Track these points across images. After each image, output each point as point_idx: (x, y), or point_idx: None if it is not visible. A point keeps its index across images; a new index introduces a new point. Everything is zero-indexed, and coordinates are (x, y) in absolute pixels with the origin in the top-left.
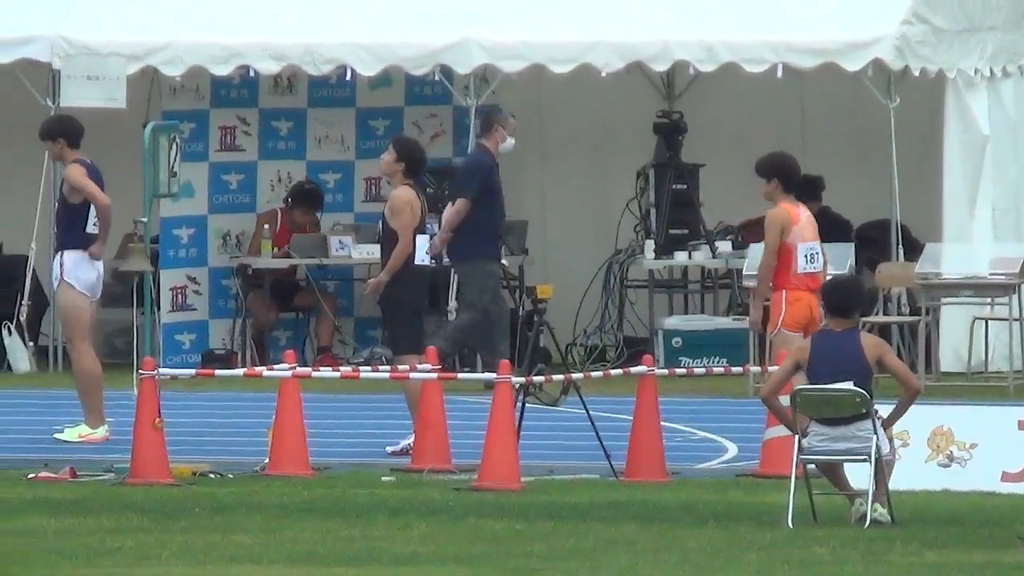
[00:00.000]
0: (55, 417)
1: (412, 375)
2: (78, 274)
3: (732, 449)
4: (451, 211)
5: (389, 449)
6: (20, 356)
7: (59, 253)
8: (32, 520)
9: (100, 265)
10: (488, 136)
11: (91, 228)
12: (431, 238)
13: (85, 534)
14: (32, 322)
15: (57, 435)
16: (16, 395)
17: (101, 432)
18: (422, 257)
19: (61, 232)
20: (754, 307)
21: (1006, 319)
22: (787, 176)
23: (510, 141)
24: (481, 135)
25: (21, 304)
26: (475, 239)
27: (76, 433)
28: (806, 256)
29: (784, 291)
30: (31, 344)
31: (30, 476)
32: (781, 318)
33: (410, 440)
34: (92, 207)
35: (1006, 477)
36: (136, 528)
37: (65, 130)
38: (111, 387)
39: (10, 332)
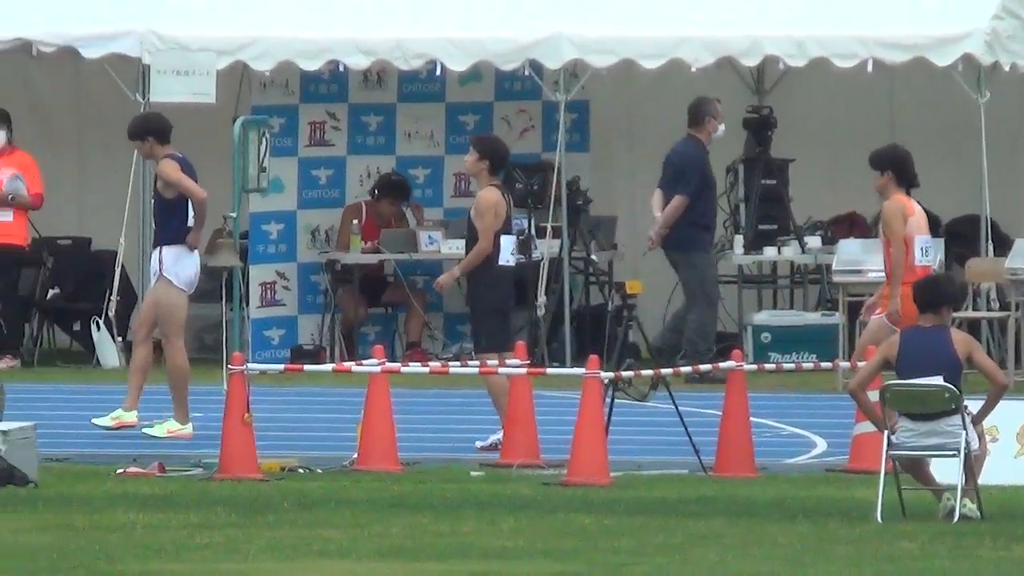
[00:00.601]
0: (143, 413)
1: (501, 370)
2: (177, 270)
3: (821, 444)
4: (670, 208)
5: (478, 444)
6: (109, 351)
7: (158, 249)
8: (121, 515)
9: (197, 260)
10: (700, 127)
11: (191, 222)
12: (519, 236)
13: (173, 529)
14: (121, 317)
15: (146, 430)
16: (104, 390)
17: (189, 428)
18: (507, 258)
19: (159, 228)
20: (892, 299)
21: None
22: (901, 169)
23: (721, 128)
24: (692, 126)
25: (110, 299)
26: (693, 231)
27: (165, 428)
28: (922, 249)
29: (901, 284)
30: (119, 339)
31: (119, 471)
32: (894, 310)
33: (499, 435)
34: (189, 201)
35: None
36: (224, 523)
37: (153, 128)
38: (200, 382)
39: (99, 327)
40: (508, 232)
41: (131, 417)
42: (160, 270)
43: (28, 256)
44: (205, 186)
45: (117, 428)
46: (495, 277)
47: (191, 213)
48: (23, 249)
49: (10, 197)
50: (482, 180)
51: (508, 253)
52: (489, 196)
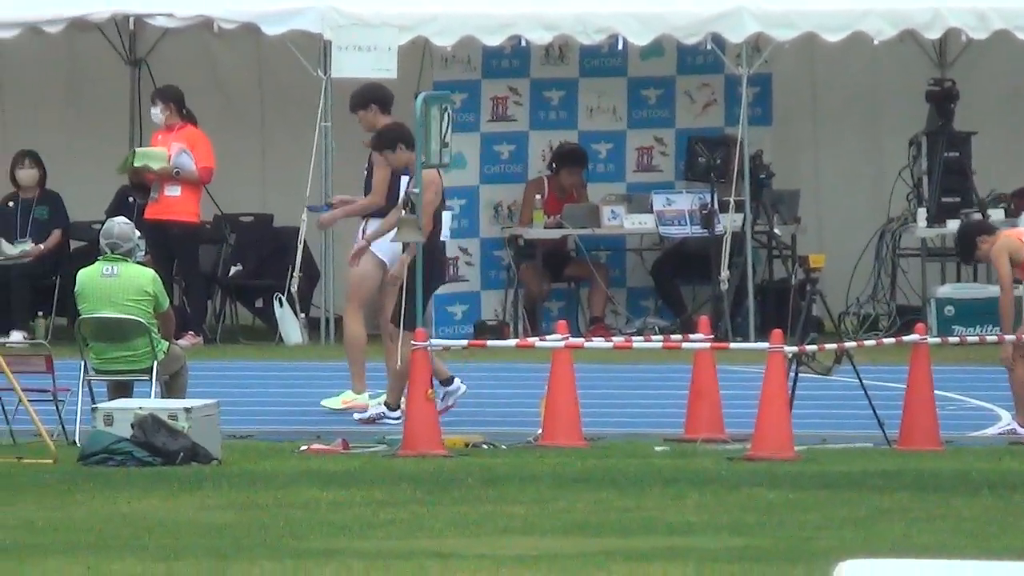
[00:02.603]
0: (327, 389)
1: (685, 345)
2: (381, 242)
3: (1005, 417)
4: None
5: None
6: (292, 327)
7: (364, 220)
8: (305, 492)
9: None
10: None
11: (403, 195)
12: (702, 211)
13: (358, 506)
14: (303, 294)
15: (324, 402)
16: (288, 367)
17: (364, 397)
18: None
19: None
20: None
21: None
22: None
23: None
24: None
25: (292, 276)
26: None
27: (341, 399)
28: None
29: None
30: (302, 315)
31: (302, 448)
32: None
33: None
34: (401, 179)
35: None
36: (409, 500)
37: (377, 96)
38: (380, 358)
39: (281, 304)
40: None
41: (362, 399)
42: (362, 239)
43: (210, 233)
44: None
45: (346, 410)
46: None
47: (402, 187)
48: (197, 226)
49: (175, 172)
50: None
51: (447, 229)
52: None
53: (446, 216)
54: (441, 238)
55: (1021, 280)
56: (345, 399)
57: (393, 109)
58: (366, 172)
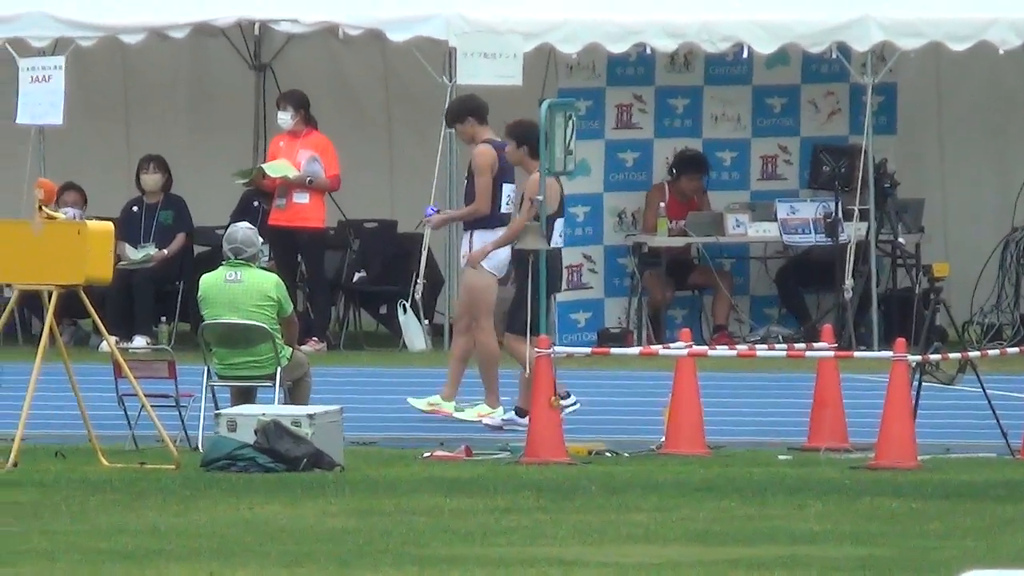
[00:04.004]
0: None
1: (809, 353)
2: (491, 256)
3: None
4: None
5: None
6: (415, 334)
7: (469, 232)
8: (428, 499)
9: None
10: None
11: (504, 207)
12: (826, 219)
13: (480, 513)
14: (427, 300)
15: (457, 414)
16: (411, 373)
17: (499, 414)
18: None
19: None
20: None
21: None
22: None
23: None
24: None
25: (416, 282)
26: None
27: (475, 412)
28: None
29: None
30: (426, 322)
31: (426, 455)
32: None
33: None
34: (503, 186)
35: None
36: (532, 507)
37: (471, 107)
38: (505, 366)
39: (405, 310)
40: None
41: (448, 407)
42: (469, 252)
43: (333, 239)
44: None
45: (430, 413)
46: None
47: (504, 194)
48: (324, 232)
49: (308, 180)
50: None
51: (556, 235)
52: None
53: (559, 224)
54: (554, 245)
55: None
56: (480, 412)
57: (518, 116)
58: (467, 180)
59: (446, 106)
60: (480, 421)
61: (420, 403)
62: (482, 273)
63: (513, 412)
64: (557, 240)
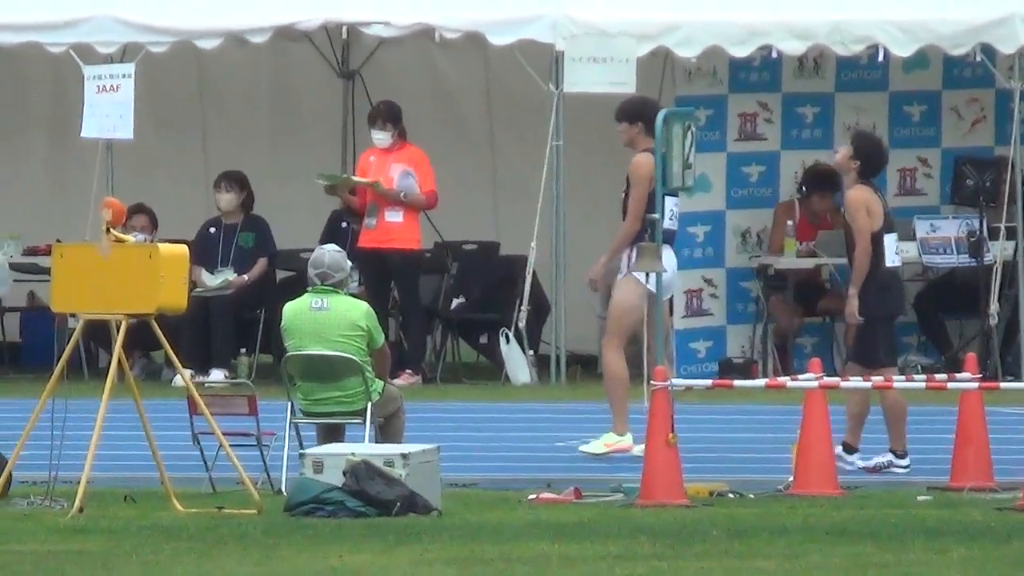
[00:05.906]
0: (558, 433)
1: (951, 385)
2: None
3: None
4: None
5: (860, 464)
6: (519, 365)
7: (630, 247)
8: (534, 546)
9: (673, 260)
10: None
11: (667, 223)
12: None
13: (592, 560)
14: (532, 329)
15: (583, 448)
16: (515, 408)
17: (628, 439)
18: (892, 258)
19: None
20: None
21: None
22: None
23: None
24: None
25: (520, 309)
26: None
27: (602, 443)
28: None
29: None
30: (531, 353)
31: (531, 497)
32: None
33: (886, 458)
34: (666, 199)
35: None
36: (648, 554)
37: (648, 114)
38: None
39: (508, 340)
40: (891, 231)
41: (626, 441)
42: (627, 267)
43: (429, 262)
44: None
45: (611, 454)
46: (881, 281)
47: (666, 207)
48: (419, 254)
49: (402, 195)
50: (849, 180)
51: (892, 253)
52: (858, 195)
53: (890, 239)
54: (888, 263)
55: None
56: (608, 442)
57: None
58: (623, 193)
59: (621, 103)
60: (609, 452)
61: (595, 447)
62: (636, 289)
63: (840, 448)
64: (894, 258)
